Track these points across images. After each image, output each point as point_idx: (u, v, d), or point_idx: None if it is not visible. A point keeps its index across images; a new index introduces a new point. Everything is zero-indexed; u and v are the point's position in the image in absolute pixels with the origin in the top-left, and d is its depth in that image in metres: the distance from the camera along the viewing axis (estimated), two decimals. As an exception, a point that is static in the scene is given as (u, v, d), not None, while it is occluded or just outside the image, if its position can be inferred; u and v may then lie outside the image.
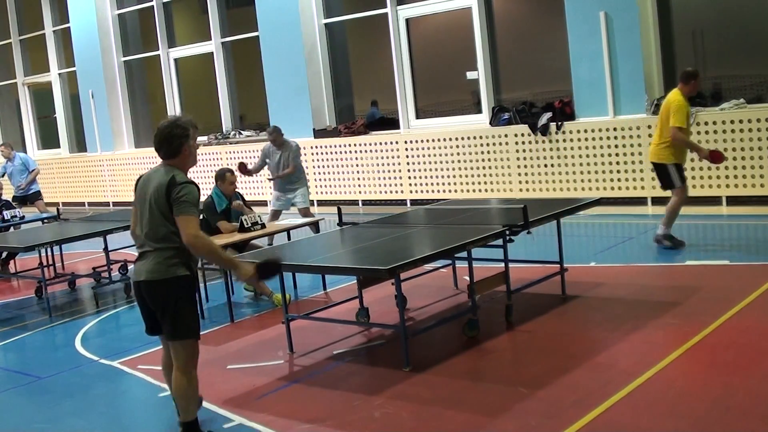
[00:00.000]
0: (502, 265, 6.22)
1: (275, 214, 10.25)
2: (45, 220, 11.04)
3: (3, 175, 12.56)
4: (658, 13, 10.72)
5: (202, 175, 15.00)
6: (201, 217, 7.86)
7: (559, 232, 6.83)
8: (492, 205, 7.88)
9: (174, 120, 4.43)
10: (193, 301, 4.47)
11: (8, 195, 11.89)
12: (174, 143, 4.38)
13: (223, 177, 7.80)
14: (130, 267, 9.44)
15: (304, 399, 5.14)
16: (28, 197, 12.31)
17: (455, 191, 12.22)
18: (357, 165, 13.27)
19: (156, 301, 4.40)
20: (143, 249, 4.45)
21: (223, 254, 4.52)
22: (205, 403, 5.21)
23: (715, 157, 8.02)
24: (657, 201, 10.50)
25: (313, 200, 13.83)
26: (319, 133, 13.73)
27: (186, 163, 4.47)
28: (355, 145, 13.26)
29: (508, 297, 6.24)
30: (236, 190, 8.09)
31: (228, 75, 15.67)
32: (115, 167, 17.12)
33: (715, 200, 10.09)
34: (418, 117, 13.22)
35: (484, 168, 11.92)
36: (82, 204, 17.84)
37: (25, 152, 19.51)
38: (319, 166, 13.72)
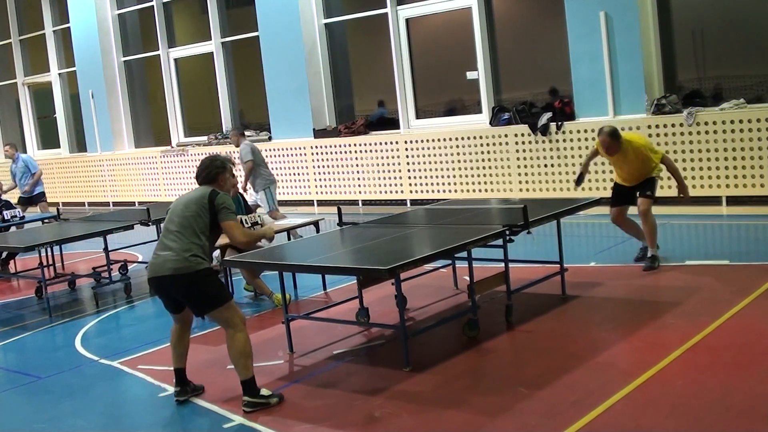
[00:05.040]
0: (502, 265, 6.23)
1: None
2: (45, 220, 11.05)
3: (14, 177, 12.78)
4: (658, 13, 10.72)
5: (202, 175, 15.00)
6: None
7: (559, 232, 6.83)
8: (492, 205, 7.87)
9: (215, 155, 5.39)
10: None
11: (8, 195, 11.96)
12: (212, 172, 5.24)
13: None
14: (131, 267, 9.47)
15: (304, 399, 5.14)
16: (33, 198, 12.53)
17: (455, 191, 12.22)
18: (357, 165, 13.27)
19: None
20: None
21: (255, 234, 5.59)
22: (205, 403, 5.22)
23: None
24: (657, 201, 10.48)
25: (312, 200, 13.87)
26: (319, 133, 13.74)
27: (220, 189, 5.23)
28: (355, 145, 13.26)
29: (508, 297, 6.24)
30: (239, 192, 8.11)
31: (228, 75, 15.67)
32: (115, 167, 17.13)
33: (715, 200, 10.09)
34: (418, 117, 13.22)
35: (484, 168, 11.92)
36: (82, 204, 17.84)
37: (25, 152, 19.56)
38: (319, 166, 13.72)
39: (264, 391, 5.01)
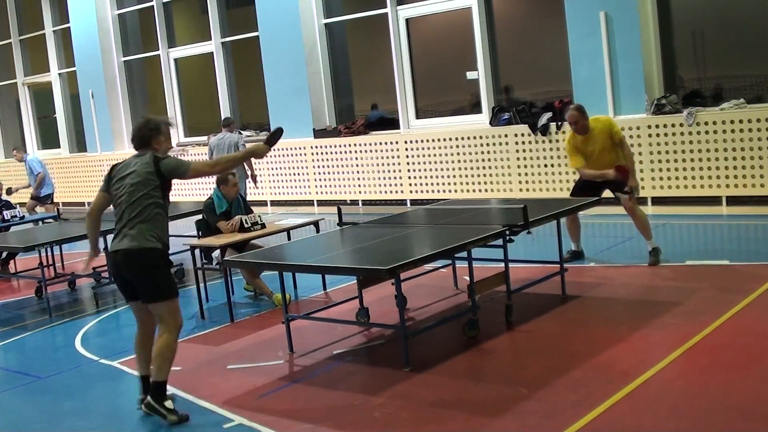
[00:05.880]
0: (502, 265, 6.23)
1: None
2: (45, 220, 11.06)
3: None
4: (658, 13, 10.72)
5: (202, 175, 14.99)
6: (201, 217, 7.94)
7: (559, 232, 6.84)
8: (492, 205, 7.87)
9: (149, 117, 5.19)
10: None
11: (21, 194, 12.12)
12: (145, 135, 5.05)
13: (226, 180, 7.80)
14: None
15: (304, 399, 5.14)
16: (41, 200, 12.79)
17: (455, 191, 12.22)
18: (357, 165, 13.27)
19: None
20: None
21: (236, 155, 5.24)
22: (205, 403, 5.22)
23: (621, 171, 7.58)
24: (657, 201, 10.52)
25: (313, 200, 13.87)
26: (319, 133, 13.73)
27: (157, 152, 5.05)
28: (355, 145, 13.26)
29: (508, 297, 6.24)
30: (239, 192, 8.11)
31: (228, 75, 15.67)
32: (115, 167, 17.10)
33: (715, 200, 10.09)
34: (418, 117, 13.22)
35: (484, 168, 11.92)
36: (82, 204, 17.83)
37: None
38: (319, 166, 13.72)
39: (168, 404, 4.92)
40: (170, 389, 5.48)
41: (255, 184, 11.86)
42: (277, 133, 5.28)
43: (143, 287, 4.94)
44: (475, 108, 12.55)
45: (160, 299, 4.91)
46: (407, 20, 13.06)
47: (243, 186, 11.21)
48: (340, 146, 13.43)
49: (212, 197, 7.80)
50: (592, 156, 7.62)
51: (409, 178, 12.74)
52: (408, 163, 12.71)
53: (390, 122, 13.50)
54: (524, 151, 11.48)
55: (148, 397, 4.93)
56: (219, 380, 5.62)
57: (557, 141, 11.16)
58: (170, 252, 9.61)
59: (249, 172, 11.57)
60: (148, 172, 4.89)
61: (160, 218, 4.96)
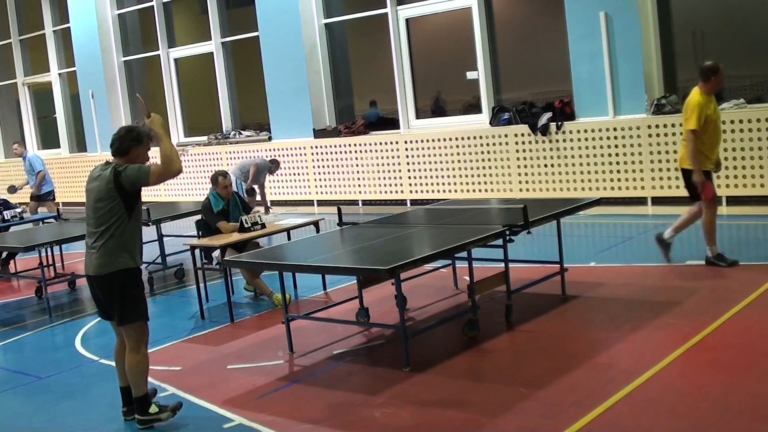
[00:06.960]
0: (502, 265, 6.23)
1: None
2: (45, 220, 11.07)
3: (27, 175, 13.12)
4: (658, 13, 10.72)
5: (202, 175, 14.99)
6: (201, 217, 7.93)
7: (559, 232, 6.83)
8: (492, 205, 7.87)
9: (133, 126, 5.03)
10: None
11: (4, 194, 12.08)
12: (123, 144, 4.89)
13: (216, 181, 7.82)
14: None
15: (304, 399, 5.14)
16: (41, 197, 12.80)
17: (455, 191, 12.22)
18: (357, 165, 13.27)
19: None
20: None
21: (162, 145, 4.80)
22: (205, 403, 5.22)
23: (706, 190, 7.13)
24: (657, 201, 10.51)
25: (313, 200, 13.88)
26: (319, 133, 13.73)
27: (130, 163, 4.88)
28: (355, 145, 13.26)
29: (508, 297, 6.24)
30: (234, 192, 8.09)
31: (228, 75, 15.67)
32: (115, 167, 17.10)
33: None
34: (418, 117, 13.22)
35: (484, 168, 11.92)
36: (82, 204, 17.80)
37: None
38: (319, 166, 13.72)
39: (152, 408, 4.93)
40: (170, 388, 5.50)
41: (267, 212, 11.92)
42: (141, 100, 5.17)
43: (112, 310, 4.92)
44: (453, 105, 12.55)
45: (128, 322, 4.89)
46: (407, 20, 13.05)
47: (240, 187, 11.38)
48: (340, 146, 13.43)
49: (209, 198, 7.82)
50: (711, 121, 7.07)
51: (409, 178, 12.74)
52: (408, 163, 12.71)
53: (389, 122, 13.49)
54: (524, 151, 11.48)
55: (137, 415, 4.94)
56: (219, 380, 5.62)
57: (557, 141, 11.16)
58: (170, 252, 9.64)
59: (261, 200, 11.80)
60: (109, 189, 4.78)
61: (127, 232, 4.84)
